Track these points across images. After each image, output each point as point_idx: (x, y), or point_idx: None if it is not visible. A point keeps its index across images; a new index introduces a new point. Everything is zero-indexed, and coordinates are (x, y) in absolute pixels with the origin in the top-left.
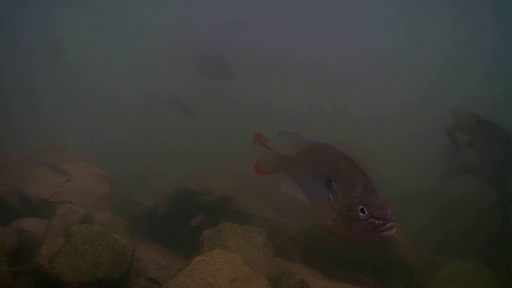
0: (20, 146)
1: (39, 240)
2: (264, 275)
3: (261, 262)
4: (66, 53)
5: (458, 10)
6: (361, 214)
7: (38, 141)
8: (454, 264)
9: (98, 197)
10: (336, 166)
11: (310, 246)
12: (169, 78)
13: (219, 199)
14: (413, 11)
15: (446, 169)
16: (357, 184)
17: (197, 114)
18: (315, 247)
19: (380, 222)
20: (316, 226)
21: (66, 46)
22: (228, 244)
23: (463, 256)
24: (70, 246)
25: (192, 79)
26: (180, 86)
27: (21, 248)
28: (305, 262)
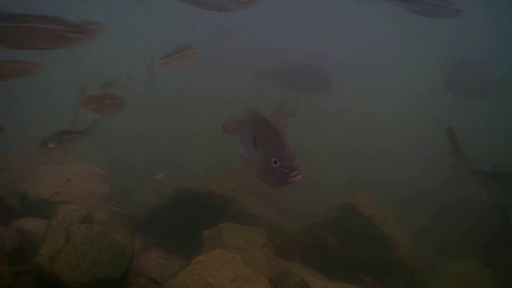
0: (20, 146)
1: (39, 240)
2: (264, 275)
3: (261, 262)
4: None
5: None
6: (275, 165)
7: (38, 140)
8: (454, 264)
9: (98, 197)
10: (260, 128)
11: (310, 246)
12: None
13: (219, 199)
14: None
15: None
16: (273, 142)
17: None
18: (315, 247)
19: (287, 171)
20: (316, 226)
21: None
22: (228, 244)
23: (463, 256)
24: (70, 246)
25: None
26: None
27: (21, 248)
28: (305, 262)
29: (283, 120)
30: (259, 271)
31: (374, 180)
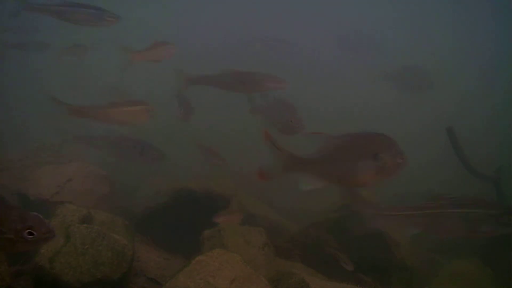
0: (20, 146)
1: None
2: (264, 275)
3: (261, 262)
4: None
5: (457, 8)
6: (401, 160)
7: (38, 141)
8: (454, 264)
9: (98, 197)
10: (379, 143)
11: (310, 246)
12: None
13: (219, 199)
14: (412, 8)
15: None
16: (395, 147)
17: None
18: (315, 247)
19: (402, 160)
20: (316, 226)
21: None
22: (228, 244)
23: (463, 256)
24: (70, 246)
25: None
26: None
27: None
28: (305, 262)
29: (291, 122)
30: (259, 271)
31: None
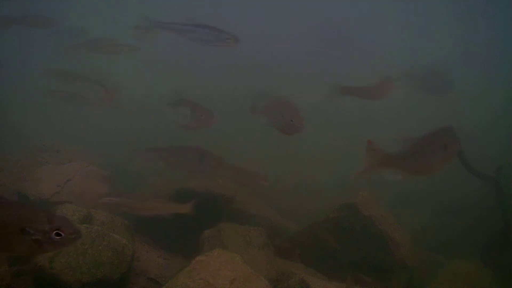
0: (20, 146)
1: None
2: (264, 275)
3: (261, 262)
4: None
5: (457, 13)
6: (459, 146)
7: (38, 141)
8: (454, 264)
9: (98, 197)
10: (446, 136)
11: (310, 246)
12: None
13: (219, 199)
14: (413, 13)
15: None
16: (456, 137)
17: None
18: (315, 247)
19: (459, 146)
20: (316, 226)
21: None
22: (228, 244)
23: (463, 256)
24: (70, 246)
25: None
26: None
27: None
28: (305, 262)
29: (292, 121)
30: (259, 271)
31: (374, 180)
